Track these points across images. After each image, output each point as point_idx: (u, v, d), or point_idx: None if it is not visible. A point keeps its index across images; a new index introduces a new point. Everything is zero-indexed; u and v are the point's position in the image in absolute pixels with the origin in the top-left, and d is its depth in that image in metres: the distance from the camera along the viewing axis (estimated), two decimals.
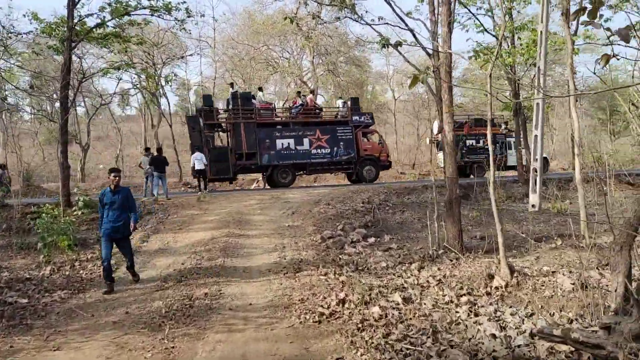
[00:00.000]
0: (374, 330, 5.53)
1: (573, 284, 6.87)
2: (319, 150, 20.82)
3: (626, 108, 13.03)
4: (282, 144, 20.48)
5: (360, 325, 5.65)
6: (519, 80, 19.87)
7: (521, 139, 20.08)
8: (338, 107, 23.17)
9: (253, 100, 21.28)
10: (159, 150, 18.03)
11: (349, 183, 21.96)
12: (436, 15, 18.91)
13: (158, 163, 16.51)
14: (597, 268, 7.64)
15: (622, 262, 4.73)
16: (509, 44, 19.63)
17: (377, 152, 22.34)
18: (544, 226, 12.12)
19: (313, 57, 36.21)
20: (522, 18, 21.13)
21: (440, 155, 23.69)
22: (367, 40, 38.10)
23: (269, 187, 21.40)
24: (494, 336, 5.22)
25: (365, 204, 14.93)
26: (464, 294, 7.03)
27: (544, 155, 28.02)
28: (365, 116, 22.06)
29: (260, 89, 23.88)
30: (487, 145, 25.36)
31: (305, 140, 20.69)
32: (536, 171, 14.54)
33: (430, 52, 18.58)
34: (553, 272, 7.58)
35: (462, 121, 25.51)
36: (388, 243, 11.27)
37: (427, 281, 7.73)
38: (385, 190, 17.10)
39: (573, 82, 10.56)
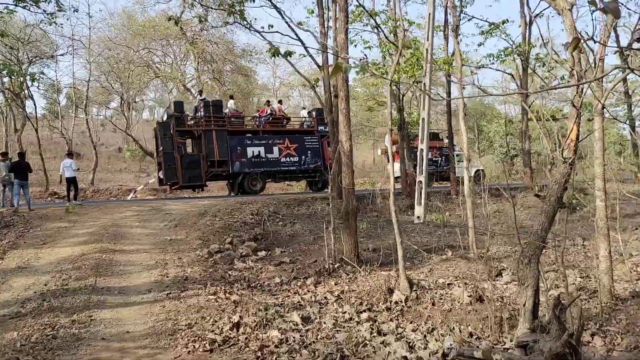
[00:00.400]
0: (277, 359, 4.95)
1: (470, 296, 6.83)
2: (288, 158, 21.32)
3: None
4: (253, 151, 20.72)
5: (259, 354, 5.03)
6: (403, 94, 20.52)
7: (405, 153, 20.61)
8: (304, 117, 23.69)
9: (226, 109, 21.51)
10: (21, 155, 15.95)
11: (233, 195, 21.24)
12: (326, 28, 19.03)
13: (20, 169, 14.56)
14: (488, 279, 7.73)
15: (531, 275, 4.63)
16: (393, 61, 20.20)
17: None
18: (430, 237, 12.34)
19: (198, 64, 34.91)
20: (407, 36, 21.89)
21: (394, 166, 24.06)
22: (254, 50, 37.74)
23: (233, 194, 21.31)
24: (405, 359, 4.88)
25: (255, 215, 14.30)
26: (364, 310, 6.70)
27: (481, 167, 29.29)
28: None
29: (231, 97, 24.25)
30: (435, 157, 25.96)
31: (275, 149, 21.12)
32: (421, 184, 14.95)
33: (320, 63, 18.73)
34: (449, 284, 7.54)
35: (415, 134, 25.06)
36: (280, 257, 10.75)
37: (325, 297, 7.31)
38: (275, 202, 16.60)
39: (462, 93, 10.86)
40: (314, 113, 23.10)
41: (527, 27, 22.73)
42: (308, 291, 7.72)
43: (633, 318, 6.10)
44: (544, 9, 23.30)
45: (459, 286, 7.32)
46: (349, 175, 8.96)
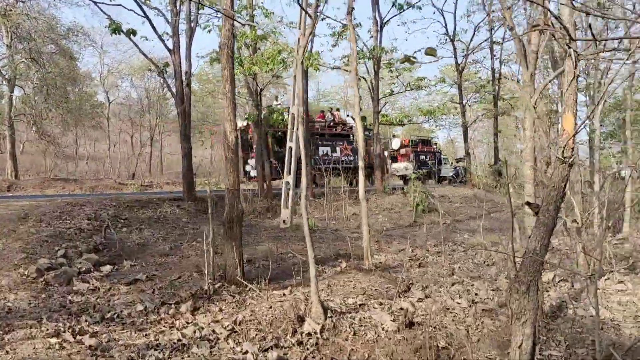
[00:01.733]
0: None
1: (394, 320, 5.73)
2: (346, 157, 24.58)
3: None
4: (323, 150, 23.81)
5: None
6: (262, 89, 19.15)
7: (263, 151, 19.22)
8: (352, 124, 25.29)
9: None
10: None
11: (67, 194, 18.22)
12: (178, 6, 16.84)
13: None
14: (399, 296, 6.73)
15: (530, 307, 3.59)
16: (251, 52, 18.71)
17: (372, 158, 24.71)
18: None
19: (11, 40, 29.47)
20: (267, 23, 20.51)
21: (396, 165, 27.93)
22: (82, 29, 33.17)
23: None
24: None
25: (92, 220, 11.72)
26: (270, 347, 5.21)
27: (460, 166, 30.87)
28: (369, 131, 24.48)
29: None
30: (429, 160, 28.37)
31: (338, 149, 24.51)
32: (289, 184, 13.73)
33: (171, 47, 16.50)
34: (361, 304, 6.37)
35: (417, 140, 29.51)
36: (131, 272, 8.68)
37: (214, 331, 5.61)
38: (114, 203, 14.01)
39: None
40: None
41: (379, 32, 22.91)
42: (187, 322, 5.94)
43: (571, 339, 5.53)
44: (394, 16, 23.99)
45: (374, 307, 6.18)
46: (233, 173, 7.31)
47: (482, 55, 30.51)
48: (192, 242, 11.25)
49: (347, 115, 26.69)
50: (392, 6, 22.27)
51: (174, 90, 16.17)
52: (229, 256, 7.19)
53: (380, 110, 23.00)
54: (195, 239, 11.49)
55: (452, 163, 31.18)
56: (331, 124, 25.15)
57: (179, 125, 16.42)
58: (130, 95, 46.32)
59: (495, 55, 28.77)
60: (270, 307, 6.15)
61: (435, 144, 31.77)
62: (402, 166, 27.45)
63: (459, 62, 26.08)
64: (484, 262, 9.07)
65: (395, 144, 29.08)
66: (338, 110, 27.89)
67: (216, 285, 7.01)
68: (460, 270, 8.36)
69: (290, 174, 13.68)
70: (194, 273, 8.55)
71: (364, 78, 23.43)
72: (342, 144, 24.77)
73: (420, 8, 21.83)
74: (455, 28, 26.49)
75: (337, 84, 48.51)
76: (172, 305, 6.58)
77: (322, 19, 21.13)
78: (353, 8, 10.44)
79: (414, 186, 18.18)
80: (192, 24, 16.55)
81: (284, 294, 6.81)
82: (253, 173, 21.96)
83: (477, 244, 11.40)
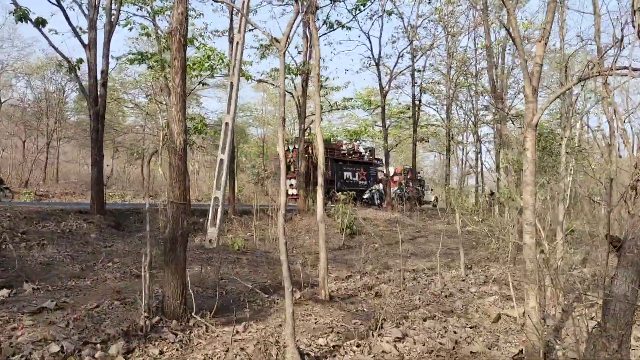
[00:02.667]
0: None
1: None
2: (362, 181, 29.34)
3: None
4: (346, 175, 28.30)
5: None
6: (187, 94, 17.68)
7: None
8: (365, 154, 31.90)
9: None
10: None
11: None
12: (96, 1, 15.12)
13: None
14: (372, 335, 5.85)
15: None
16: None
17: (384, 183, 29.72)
18: (247, 269, 10.04)
19: None
20: (192, 29, 19.13)
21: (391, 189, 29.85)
22: None
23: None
24: None
25: None
26: None
27: (436, 195, 34.55)
28: (379, 160, 31.30)
29: None
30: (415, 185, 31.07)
31: (357, 174, 29.24)
32: (218, 200, 12.45)
33: (86, 42, 14.70)
34: (335, 346, 5.40)
35: (408, 168, 34.27)
36: (35, 298, 7.11)
37: None
38: (9, 214, 11.98)
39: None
40: (369, 151, 32.35)
41: (308, 48, 22.32)
42: None
43: None
44: (323, 34, 23.53)
45: (352, 350, 5.26)
46: (180, 183, 6.11)
47: (404, 82, 30.96)
48: (108, 262, 9.69)
49: (360, 147, 32.09)
50: (323, 24, 21.82)
51: (86, 90, 14.43)
52: (169, 284, 5.92)
53: (307, 129, 22.30)
54: (110, 259, 9.94)
55: (431, 189, 37.55)
56: (351, 152, 29.93)
57: (90, 129, 14.63)
58: (25, 97, 42.11)
59: (416, 82, 29.32)
60: (227, 350, 5.01)
61: (419, 172, 36.53)
62: (395, 190, 30.92)
63: (383, 86, 26.16)
64: (441, 291, 8.46)
65: (390, 171, 32.14)
66: (356, 141, 32.24)
67: (153, 320, 5.71)
68: (421, 302, 7.67)
69: (219, 188, 12.42)
70: (114, 301, 7.12)
71: (291, 94, 22.72)
72: (360, 170, 29.90)
73: (349, 29, 21.49)
74: (380, 52, 26.39)
75: (254, 100, 47.35)
76: (98, 346, 5.22)
77: (250, 30, 20.23)
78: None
79: (342, 208, 17.54)
80: (113, 18, 14.93)
81: (238, 332, 5.68)
82: (291, 191, 24.50)
83: (423, 268, 10.88)
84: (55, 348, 5.11)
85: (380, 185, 28.62)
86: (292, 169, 25.01)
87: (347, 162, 29.15)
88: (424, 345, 5.55)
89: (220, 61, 16.04)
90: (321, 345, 5.36)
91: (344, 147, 29.97)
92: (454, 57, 30.45)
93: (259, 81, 22.07)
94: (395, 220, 22.81)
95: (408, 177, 33.35)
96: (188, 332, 5.66)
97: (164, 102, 23.52)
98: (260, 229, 16.08)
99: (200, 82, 17.41)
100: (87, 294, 7.64)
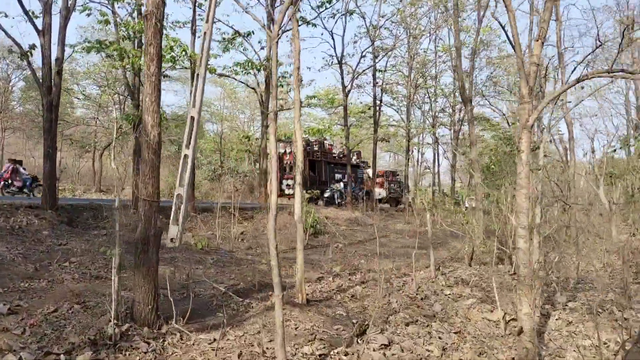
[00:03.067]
0: None
1: None
2: (352, 182, 28.40)
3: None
4: (337, 176, 29.98)
5: None
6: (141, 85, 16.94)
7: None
8: (354, 157, 32.30)
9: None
10: None
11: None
12: None
13: None
14: (357, 342, 5.58)
15: None
16: (136, 46, 16.54)
17: (367, 185, 32.85)
18: (213, 269, 9.59)
19: None
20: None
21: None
22: None
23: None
24: None
25: None
26: None
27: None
28: (364, 163, 34.00)
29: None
30: (396, 186, 35.49)
31: (346, 175, 28.70)
32: (181, 197, 11.90)
33: (40, 27, 13.78)
34: (322, 355, 5.09)
35: (390, 171, 37.87)
36: None
37: None
38: None
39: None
40: (356, 154, 33.19)
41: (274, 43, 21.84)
42: None
43: None
44: (288, 30, 23.10)
45: None
46: (154, 180, 5.64)
47: (366, 82, 30.97)
48: (64, 262, 9.02)
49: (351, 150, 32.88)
50: (289, 20, 21.39)
51: (39, 76, 13.54)
52: (140, 288, 5.45)
53: (268, 125, 21.87)
54: (67, 258, 9.27)
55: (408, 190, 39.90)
56: (342, 155, 31.20)
57: (43, 119, 13.75)
58: None
59: (377, 83, 29.37)
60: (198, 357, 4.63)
61: (398, 174, 39.07)
62: (378, 191, 33.21)
63: (346, 85, 26.03)
64: (416, 294, 8.29)
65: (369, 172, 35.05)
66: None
67: (123, 328, 5.24)
68: (399, 305, 7.46)
69: (183, 185, 11.87)
70: (74, 305, 6.58)
71: (254, 89, 22.24)
72: (351, 172, 30.57)
73: (315, 25, 21.23)
74: (343, 51, 26.26)
75: (212, 95, 46.34)
76: (62, 357, 4.73)
77: (215, 22, 19.57)
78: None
79: (306, 207, 17.23)
80: (69, 3, 14.07)
81: (214, 339, 5.29)
82: (288, 191, 25.48)
83: (388, 270, 10.72)
84: (12, 359, 4.60)
85: (341, 185, 28.44)
86: (287, 170, 26.44)
87: (338, 164, 31.13)
88: (411, 352, 5.31)
89: (184, 53, 15.44)
90: (307, 354, 5.04)
91: (335, 150, 31.78)
92: (414, 58, 30.73)
93: (221, 75, 21.46)
94: (355, 219, 22.72)
95: (389, 179, 35.90)
96: (161, 340, 5.22)
97: (121, 94, 22.58)
98: (221, 227, 15.57)
99: (164, 75, 16.70)
100: (43, 296, 7.03)
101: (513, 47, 5.25)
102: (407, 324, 6.34)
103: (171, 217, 11.99)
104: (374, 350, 5.29)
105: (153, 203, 5.56)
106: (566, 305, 7.58)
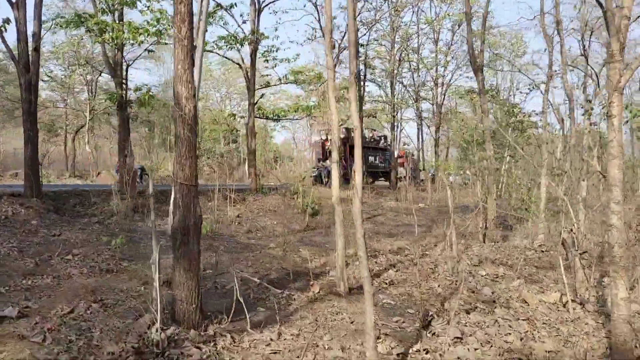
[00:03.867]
0: None
1: None
2: (381, 164, 32.84)
3: None
4: (369, 159, 31.08)
5: None
6: (129, 64, 15.88)
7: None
8: (382, 140, 34.78)
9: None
10: None
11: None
12: None
13: None
14: (426, 334, 5.01)
15: None
16: (116, 19, 15.37)
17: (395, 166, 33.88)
18: (225, 257, 8.87)
19: None
20: None
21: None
22: None
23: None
24: None
25: None
26: None
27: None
28: (390, 145, 34.63)
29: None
30: (412, 166, 35.54)
31: (378, 158, 32.77)
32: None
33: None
34: (400, 354, 4.50)
35: (409, 152, 37.63)
36: None
37: None
38: None
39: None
40: (383, 138, 35.35)
41: (257, 15, 20.83)
42: None
43: None
44: (273, 1, 22.08)
45: None
46: (191, 160, 4.88)
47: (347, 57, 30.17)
48: (66, 255, 8.16)
49: (378, 134, 35.83)
50: None
51: (16, 55, 12.40)
52: (183, 285, 4.72)
53: (257, 102, 20.98)
54: (68, 250, 8.40)
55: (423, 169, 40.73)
56: (372, 140, 33.21)
57: (22, 100, 12.63)
58: None
59: (360, 57, 28.63)
60: None
61: (413, 155, 39.91)
62: (400, 170, 34.31)
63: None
64: (452, 275, 7.78)
65: (396, 154, 36.36)
66: (374, 130, 37.09)
67: (168, 332, 4.52)
68: (444, 290, 6.93)
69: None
70: (91, 304, 5.83)
71: (239, 65, 21.23)
72: (379, 155, 33.17)
73: None
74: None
75: None
76: None
77: None
78: None
79: (302, 187, 16.58)
80: None
81: (271, 340, 4.64)
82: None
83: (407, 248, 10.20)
84: None
85: (328, 162, 27.93)
86: (329, 155, 27.28)
87: (370, 148, 32.36)
88: (490, 345, 4.78)
89: (171, 25, 14.37)
90: (384, 354, 4.44)
91: (366, 135, 32.55)
92: (397, 31, 30.07)
93: (204, 51, 20.36)
94: (347, 198, 22.17)
95: (409, 159, 36.79)
96: (212, 344, 4.54)
97: (93, 73, 21.23)
98: (216, 210, 14.78)
99: (146, 49, 15.65)
100: (53, 295, 6.24)
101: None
102: (467, 312, 5.80)
103: (171, 202, 11.22)
104: (448, 345, 4.73)
105: (191, 187, 4.81)
106: None
